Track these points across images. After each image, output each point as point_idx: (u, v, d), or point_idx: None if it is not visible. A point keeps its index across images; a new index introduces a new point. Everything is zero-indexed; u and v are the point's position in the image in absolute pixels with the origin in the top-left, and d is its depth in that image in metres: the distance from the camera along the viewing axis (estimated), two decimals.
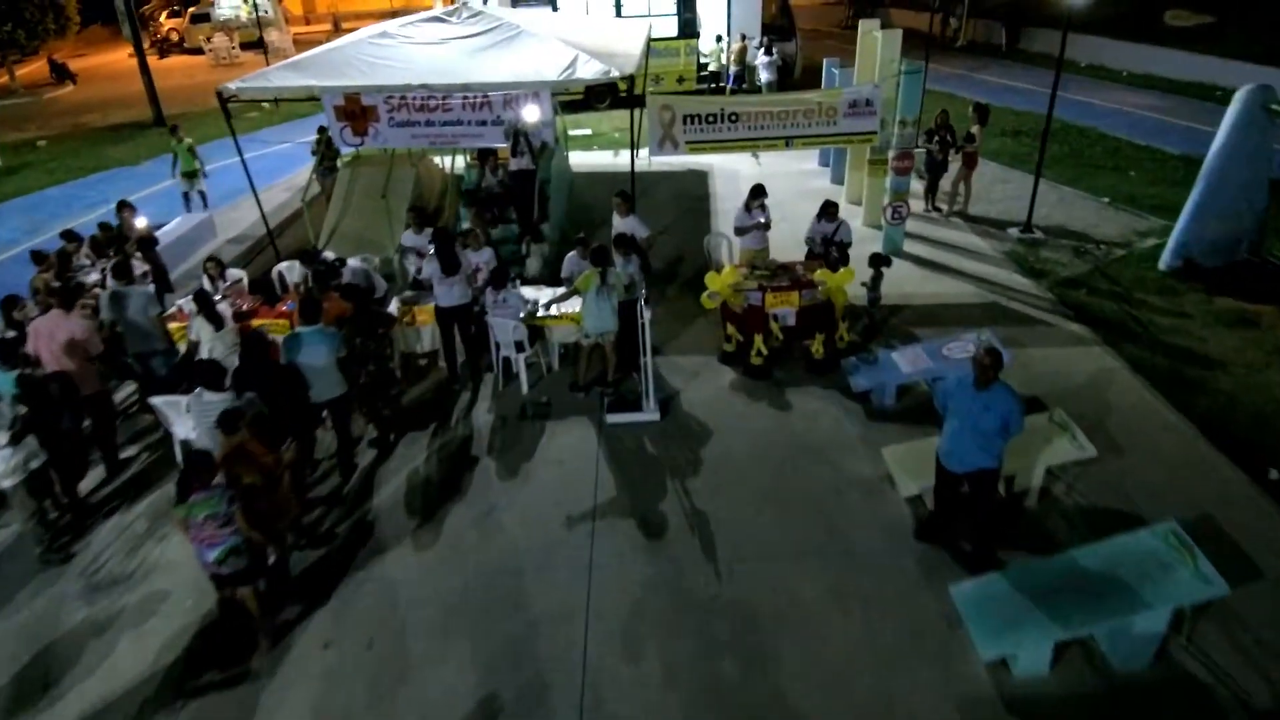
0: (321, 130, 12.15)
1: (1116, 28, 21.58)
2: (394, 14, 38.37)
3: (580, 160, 14.90)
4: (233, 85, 9.61)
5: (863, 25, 11.20)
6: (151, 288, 8.29)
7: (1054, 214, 11.57)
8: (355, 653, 5.11)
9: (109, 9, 23.96)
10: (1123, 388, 7.48)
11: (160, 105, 19.25)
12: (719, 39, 19.43)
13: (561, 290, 7.88)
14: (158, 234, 11.32)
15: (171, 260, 11.03)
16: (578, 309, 7.58)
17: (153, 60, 31.91)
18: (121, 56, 31.36)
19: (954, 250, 10.60)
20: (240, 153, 10.34)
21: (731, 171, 13.94)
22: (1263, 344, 8.07)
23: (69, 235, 8.77)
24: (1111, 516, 5.84)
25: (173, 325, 7.73)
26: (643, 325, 6.91)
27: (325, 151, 11.63)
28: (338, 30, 36.25)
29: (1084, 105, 17.66)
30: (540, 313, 7.80)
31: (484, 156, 10.11)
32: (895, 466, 6.19)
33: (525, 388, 7.80)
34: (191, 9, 33.05)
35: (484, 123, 10.10)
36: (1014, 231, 10.99)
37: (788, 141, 9.82)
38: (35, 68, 29.62)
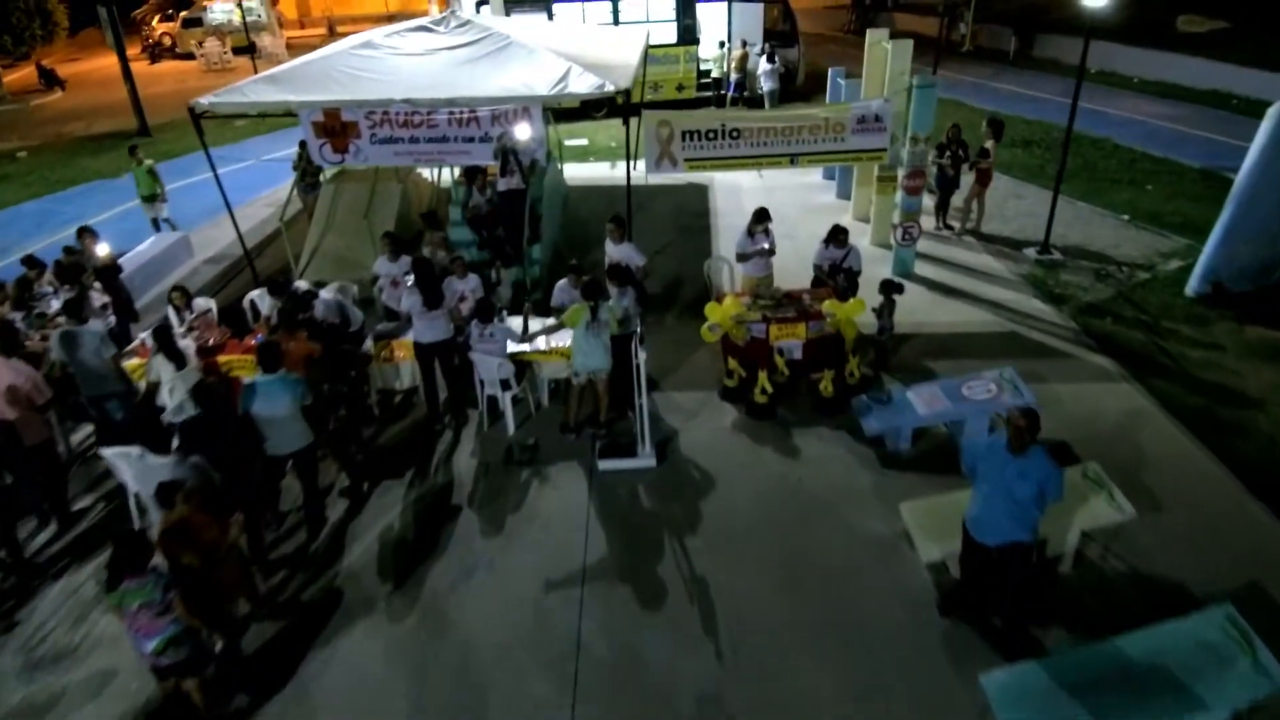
0: (303, 144, 11.61)
1: (1128, 33, 21.01)
2: (390, 18, 37.97)
3: (575, 173, 14.37)
4: (205, 100, 9.09)
5: (871, 35, 10.65)
6: (112, 320, 7.80)
7: (1071, 232, 11.02)
8: None
9: (111, 8, 23.37)
10: (1155, 431, 6.93)
11: (145, 114, 18.68)
12: (721, 45, 18.89)
13: (551, 321, 7.36)
14: (132, 253, 10.86)
15: (145, 282, 10.52)
16: (568, 343, 7.05)
17: (144, 66, 31.61)
18: (113, 61, 30.55)
19: (968, 272, 10.05)
20: (214, 170, 9.79)
21: (733, 185, 13.40)
22: None
23: (30, 261, 8.24)
24: (1153, 586, 5.30)
25: (133, 362, 7.20)
26: (637, 366, 6.37)
27: (307, 167, 11.08)
28: (333, 34, 35.82)
29: (1097, 114, 17.09)
30: (528, 347, 7.26)
31: (471, 174, 9.57)
32: (915, 526, 5.63)
33: (511, 428, 7.26)
34: (184, 13, 32.51)
35: (471, 139, 9.60)
36: (1031, 252, 10.44)
37: (793, 159, 9.29)
38: (24, 73, 29.12)
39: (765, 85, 17.27)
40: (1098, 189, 12.81)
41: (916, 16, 29.38)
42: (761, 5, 18.68)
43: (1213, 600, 4.80)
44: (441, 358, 7.16)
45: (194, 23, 31.67)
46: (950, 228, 11.37)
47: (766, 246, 8.17)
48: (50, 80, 27.24)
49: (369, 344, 7.35)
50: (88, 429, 7.44)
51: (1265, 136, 8.65)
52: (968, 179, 11.06)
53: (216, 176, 9.90)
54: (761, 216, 8.16)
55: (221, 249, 11.48)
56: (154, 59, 32.34)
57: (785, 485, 6.45)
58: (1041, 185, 13.07)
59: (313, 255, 10.70)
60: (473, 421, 7.46)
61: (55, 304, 7.83)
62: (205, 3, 32.00)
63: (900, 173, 9.55)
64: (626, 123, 9.05)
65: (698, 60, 19.10)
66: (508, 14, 16.61)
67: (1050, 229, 10.36)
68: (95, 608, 5.63)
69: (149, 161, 11.66)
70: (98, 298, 7.56)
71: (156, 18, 34.43)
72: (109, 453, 6.07)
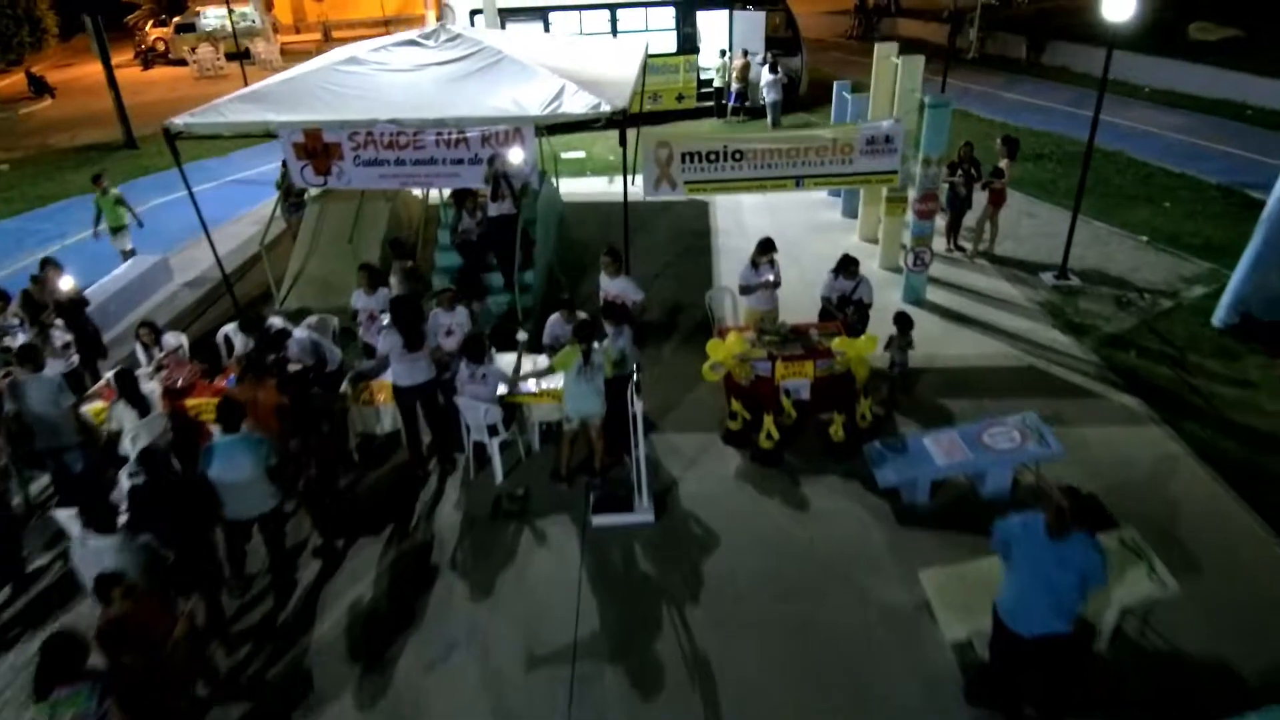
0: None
1: (1138, 41, 20.50)
2: (386, 23, 37.57)
3: (572, 188, 13.88)
4: (179, 121, 8.63)
5: (879, 49, 10.18)
6: (75, 360, 7.34)
7: (1089, 255, 10.54)
8: None
9: (96, 18, 22.96)
10: (1190, 482, 6.45)
11: (131, 125, 18.19)
12: (722, 54, 18.43)
13: (542, 360, 6.91)
14: (108, 278, 10.38)
15: (121, 307, 10.05)
16: (561, 384, 6.58)
17: (136, 72, 31.18)
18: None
19: (982, 299, 9.57)
20: (190, 191, 9.33)
21: (734, 202, 12.91)
22: None
23: None
24: (1198, 668, 4.83)
25: (96, 406, 6.72)
26: (634, 415, 5.89)
27: (290, 186, 10.61)
28: (328, 40, 35.40)
29: (1108, 125, 16.47)
30: (519, 388, 6.80)
31: (461, 198, 9.08)
32: (937, 598, 5.16)
33: (499, 476, 6.78)
34: (177, 19, 32.05)
35: (461, 161, 9.07)
36: (1048, 277, 9.96)
37: (798, 182, 8.83)
38: (13, 81, 28.65)
39: (768, 96, 16.80)
40: (1114, 206, 12.34)
41: (920, 23, 28.89)
42: (763, 13, 18.19)
43: (1266, 692, 4.33)
44: (424, 401, 6.68)
45: (187, 28, 31.19)
46: (962, 249, 10.89)
47: (771, 279, 7.69)
48: (40, 88, 26.79)
49: (346, 385, 6.85)
50: (45, 480, 6.96)
51: None
52: (980, 198, 10.60)
53: (193, 197, 9.42)
54: (766, 247, 7.69)
55: (202, 271, 11.00)
56: (147, 65, 31.91)
57: (793, 544, 5.97)
58: (1054, 202, 12.61)
59: (295, 280, 10.23)
60: (459, 467, 6.99)
61: (23, 336, 7.35)
62: (198, 8, 31.53)
63: (911, 194, 9.09)
64: (623, 141, 8.60)
65: (698, 69, 18.65)
66: (503, 25, 16.13)
67: (1068, 253, 9.89)
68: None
69: (115, 191, 10.81)
70: (60, 336, 7.08)
71: (149, 23, 33.99)
72: (62, 515, 5.62)
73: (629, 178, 9.12)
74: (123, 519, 4.66)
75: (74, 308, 7.47)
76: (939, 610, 5.11)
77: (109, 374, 6.91)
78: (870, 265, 9.74)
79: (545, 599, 5.59)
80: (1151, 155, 14.75)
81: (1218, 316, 8.70)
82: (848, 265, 7.63)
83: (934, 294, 9.63)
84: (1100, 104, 9.44)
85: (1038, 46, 23.34)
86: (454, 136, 8.91)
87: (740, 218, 12.32)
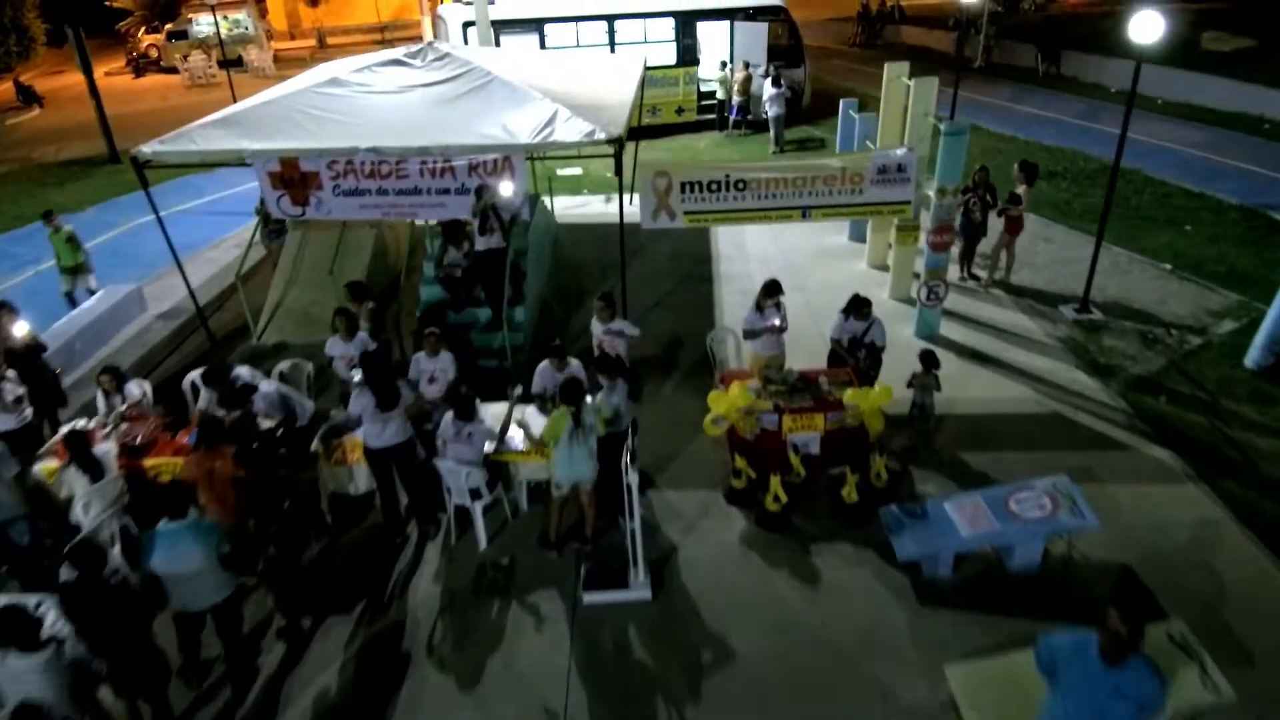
0: None
1: (1150, 52, 20.00)
2: (381, 29, 37.09)
3: (568, 209, 13.39)
4: (147, 149, 8.17)
5: (889, 69, 9.65)
6: (28, 414, 6.83)
7: (1109, 285, 10.01)
8: None
9: (89, 26, 22.39)
10: (1232, 550, 5.93)
11: (114, 139, 17.63)
12: (723, 65, 17.90)
13: (533, 418, 6.40)
14: (79, 310, 9.87)
15: (90, 343, 9.52)
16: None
17: (128, 80, 30.66)
18: (98, 75, 29.83)
19: (999, 335, 9.04)
20: (159, 219, 8.86)
21: (737, 226, 12.35)
22: None
23: None
24: None
25: (49, 465, 6.20)
26: (628, 486, 5.37)
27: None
28: (323, 47, 34.92)
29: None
30: (506, 445, 6.28)
31: (451, 229, 8.46)
32: (965, 699, 4.63)
33: (483, 542, 6.25)
34: (169, 26, 31.56)
35: (447, 191, 8.62)
36: (1068, 310, 9.43)
37: (805, 213, 8.35)
38: (1, 89, 28.15)
39: (770, 111, 16.26)
40: (1133, 230, 11.80)
41: (924, 30, 28.36)
42: (765, 24, 17.67)
43: None
44: (399, 463, 6.15)
45: (179, 35, 30.70)
46: (976, 278, 10.36)
47: (777, 323, 7.16)
48: (28, 97, 26.29)
49: (317, 443, 6.32)
50: None
51: None
52: (996, 225, 10.08)
53: (163, 226, 8.97)
54: (772, 289, 7.15)
55: (178, 301, 10.44)
56: (138, 72, 31.40)
57: (804, 627, 5.44)
58: (1070, 225, 12.10)
59: (274, 312, 9.72)
60: (441, 528, 6.46)
61: None
62: (190, 15, 31.04)
63: (924, 224, 8.57)
64: (619, 165, 8.10)
65: (698, 82, 18.14)
66: (497, 38, 15.61)
67: (1090, 285, 9.36)
68: None
69: (68, 228, 10.06)
70: (10, 390, 6.56)
71: (141, 30, 33.51)
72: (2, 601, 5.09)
73: (625, 198, 8.62)
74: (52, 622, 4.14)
75: (29, 355, 6.94)
76: (967, 713, 4.59)
77: (63, 430, 6.39)
78: (879, 295, 9.22)
79: (531, 691, 5.06)
80: (1169, 173, 14.22)
81: (1251, 358, 8.18)
82: (859, 306, 7.11)
83: (948, 328, 9.10)
84: (1127, 123, 8.95)
85: (1052, 56, 22.66)
86: (439, 165, 8.45)
87: (742, 242, 11.80)
